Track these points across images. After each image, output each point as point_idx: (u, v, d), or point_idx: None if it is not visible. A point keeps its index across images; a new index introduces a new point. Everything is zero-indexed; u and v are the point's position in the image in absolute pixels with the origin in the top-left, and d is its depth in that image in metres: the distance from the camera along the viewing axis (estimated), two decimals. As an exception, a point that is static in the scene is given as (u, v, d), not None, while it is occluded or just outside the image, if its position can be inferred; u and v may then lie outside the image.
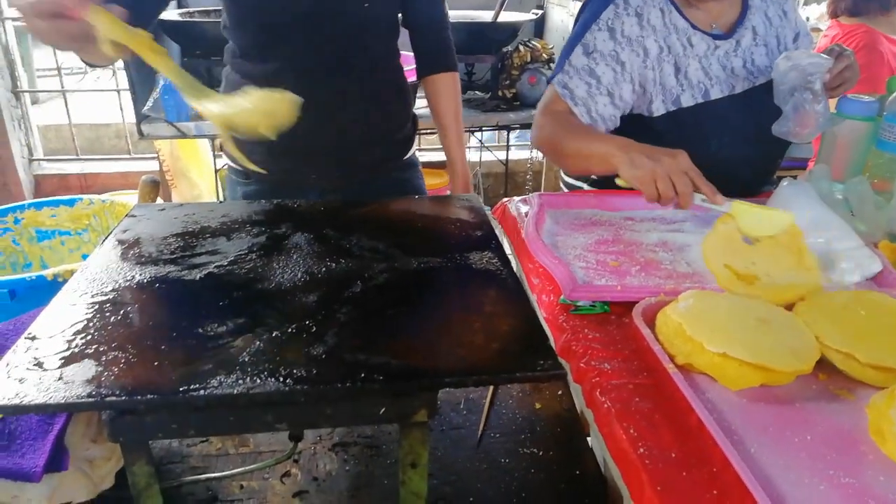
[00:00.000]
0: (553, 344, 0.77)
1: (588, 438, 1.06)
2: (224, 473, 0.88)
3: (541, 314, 1.03)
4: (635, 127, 1.43)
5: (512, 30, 2.95)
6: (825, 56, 1.29)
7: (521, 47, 2.89)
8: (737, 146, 1.43)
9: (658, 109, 1.41)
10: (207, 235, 0.97)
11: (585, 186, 1.67)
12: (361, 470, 0.95)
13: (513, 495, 0.91)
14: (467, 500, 0.90)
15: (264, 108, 0.90)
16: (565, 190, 1.78)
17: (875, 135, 1.44)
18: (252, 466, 0.86)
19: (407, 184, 1.60)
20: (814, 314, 0.96)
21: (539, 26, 3.45)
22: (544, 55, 2.85)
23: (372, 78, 1.43)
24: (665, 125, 1.41)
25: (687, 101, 1.40)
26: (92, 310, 0.76)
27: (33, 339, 0.70)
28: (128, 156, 4.05)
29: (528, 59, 2.82)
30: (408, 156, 1.60)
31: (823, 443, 0.78)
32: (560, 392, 1.12)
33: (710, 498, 0.70)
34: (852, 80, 1.34)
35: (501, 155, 3.72)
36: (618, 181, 1.19)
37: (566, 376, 0.67)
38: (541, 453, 0.99)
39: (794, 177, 1.56)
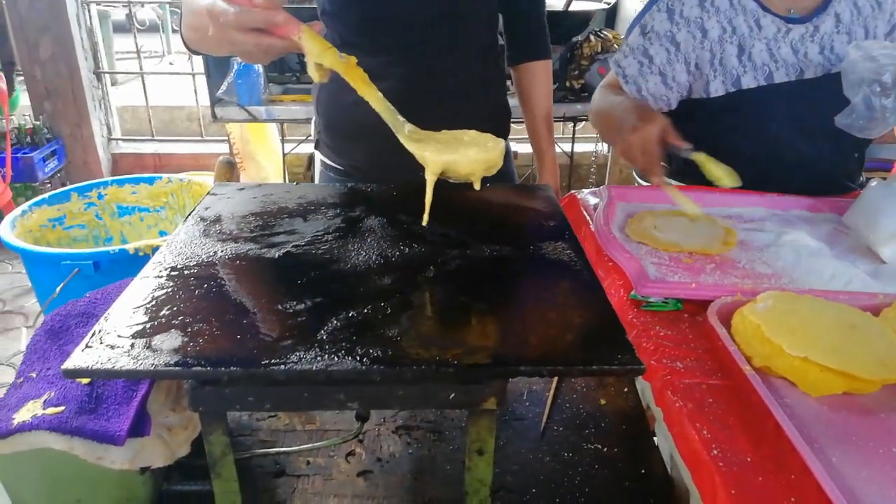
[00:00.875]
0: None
1: (654, 437, 1.04)
2: (292, 448, 0.90)
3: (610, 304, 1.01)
4: (694, 110, 1.44)
5: (583, 19, 2.91)
6: None
7: (591, 37, 2.84)
8: (805, 137, 1.39)
9: (717, 90, 1.41)
10: (285, 216, 0.99)
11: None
12: (424, 454, 0.96)
13: (576, 490, 0.90)
14: (530, 491, 0.90)
15: (483, 158, 0.89)
16: (640, 182, 1.75)
17: (973, 134, 1.35)
18: (319, 444, 0.88)
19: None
20: (902, 321, 0.92)
21: (611, 16, 3.38)
22: (615, 46, 2.79)
23: (477, 68, 1.40)
24: (724, 106, 1.41)
25: (748, 83, 1.39)
26: (177, 283, 0.79)
27: (123, 308, 0.73)
28: (199, 138, 4.18)
29: (599, 50, 2.77)
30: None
31: (910, 456, 0.74)
32: (626, 389, 1.10)
33: (787, 505, 0.68)
34: None
35: (566, 146, 3.67)
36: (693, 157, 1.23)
37: (643, 372, 0.66)
38: (605, 449, 0.97)
39: (884, 178, 1.49)
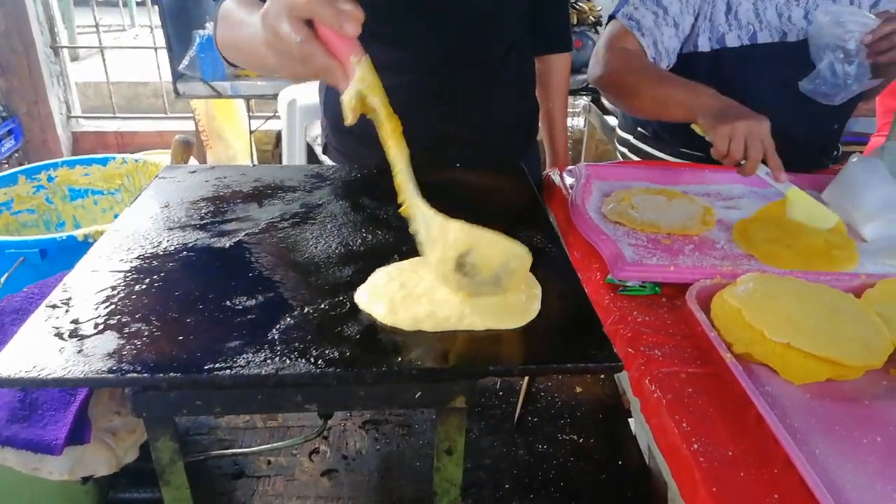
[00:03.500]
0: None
1: (630, 420, 1.00)
2: (251, 449, 0.85)
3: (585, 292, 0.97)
4: (681, 66, 1.41)
5: (557, -10, 2.83)
6: (870, 15, 1.21)
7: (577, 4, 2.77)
8: (783, 102, 1.35)
9: (703, 46, 1.39)
10: (238, 201, 0.93)
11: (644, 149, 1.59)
12: (392, 450, 0.91)
13: (551, 484, 0.87)
14: (503, 487, 0.86)
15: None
16: (620, 158, 1.70)
17: (955, 109, 1.33)
18: (280, 444, 0.83)
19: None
20: (885, 303, 0.89)
21: (586, -13, 3.30)
22: (591, 17, 2.73)
23: (507, 66, 1.31)
24: (709, 64, 1.39)
25: (732, 42, 1.37)
26: (116, 278, 0.72)
27: (54, 307, 0.67)
28: (164, 115, 4.05)
29: (575, 22, 2.70)
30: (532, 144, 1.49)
31: (895, 446, 0.71)
32: (602, 376, 1.06)
33: (771, 502, 0.65)
34: None
35: (541, 122, 3.60)
36: (694, 127, 1.19)
37: (621, 369, 0.61)
38: (581, 440, 0.94)
39: (860, 153, 1.46)
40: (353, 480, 0.87)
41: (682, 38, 1.40)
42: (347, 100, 0.69)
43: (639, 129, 1.63)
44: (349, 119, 0.70)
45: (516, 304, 0.70)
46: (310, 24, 0.67)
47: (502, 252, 0.68)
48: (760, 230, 1.11)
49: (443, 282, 0.71)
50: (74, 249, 1.57)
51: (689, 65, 1.40)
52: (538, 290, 0.73)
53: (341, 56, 0.68)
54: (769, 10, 1.35)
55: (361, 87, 0.68)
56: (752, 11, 1.35)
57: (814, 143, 1.46)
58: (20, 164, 3.07)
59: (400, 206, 0.73)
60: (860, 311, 0.86)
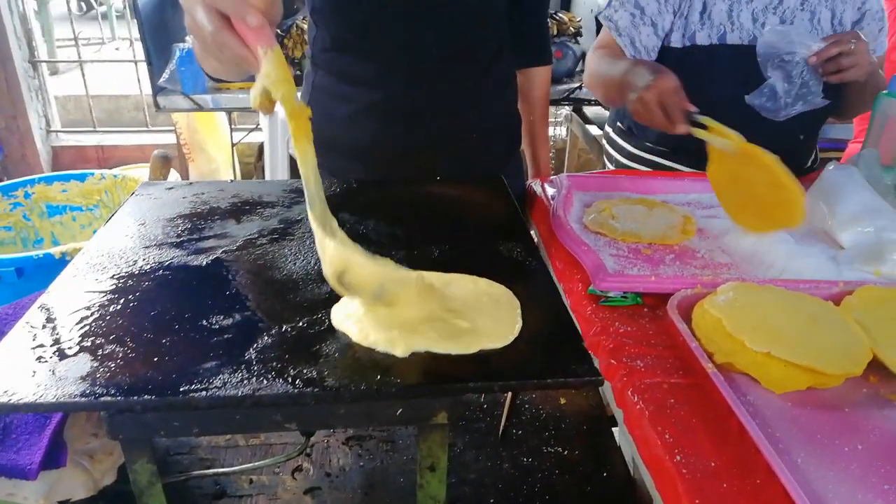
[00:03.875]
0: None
1: (615, 430, 1.00)
2: (233, 469, 0.84)
3: (567, 305, 0.97)
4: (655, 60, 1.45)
5: (538, 1, 2.84)
6: (816, 38, 1.24)
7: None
8: (747, 108, 1.37)
9: (675, 41, 1.43)
10: (216, 217, 0.92)
11: (635, 166, 1.60)
12: (376, 466, 0.90)
13: (536, 497, 0.86)
14: (487, 502, 0.85)
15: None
16: (611, 167, 1.71)
17: (929, 116, 1.34)
18: (261, 462, 0.82)
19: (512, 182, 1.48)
20: (863, 310, 0.89)
21: (566, -1, 3.33)
22: (571, 28, 2.74)
23: (488, 76, 1.29)
24: (679, 61, 1.41)
25: (702, 40, 1.40)
26: (90, 298, 0.71)
27: (27, 329, 0.66)
28: (145, 128, 4.02)
29: (555, 33, 2.72)
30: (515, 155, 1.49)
31: (877, 453, 0.72)
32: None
33: (754, 513, 0.65)
34: (856, 68, 1.24)
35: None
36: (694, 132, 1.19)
37: (602, 384, 0.61)
38: (566, 452, 0.93)
39: (837, 160, 1.47)
40: (336, 498, 0.86)
41: (662, 35, 1.44)
42: (253, 95, 0.69)
43: (617, 123, 1.68)
44: (263, 113, 0.71)
45: (493, 328, 0.69)
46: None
47: (376, 275, 0.68)
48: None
49: None
50: (51, 267, 1.55)
51: (660, 60, 1.44)
52: (517, 312, 0.72)
53: (252, 46, 0.67)
54: (744, 13, 1.38)
55: (266, 82, 0.67)
56: (726, 13, 1.38)
57: (778, 150, 1.47)
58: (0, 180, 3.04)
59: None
60: (839, 319, 0.86)
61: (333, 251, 0.67)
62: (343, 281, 0.67)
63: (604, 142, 1.75)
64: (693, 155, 1.44)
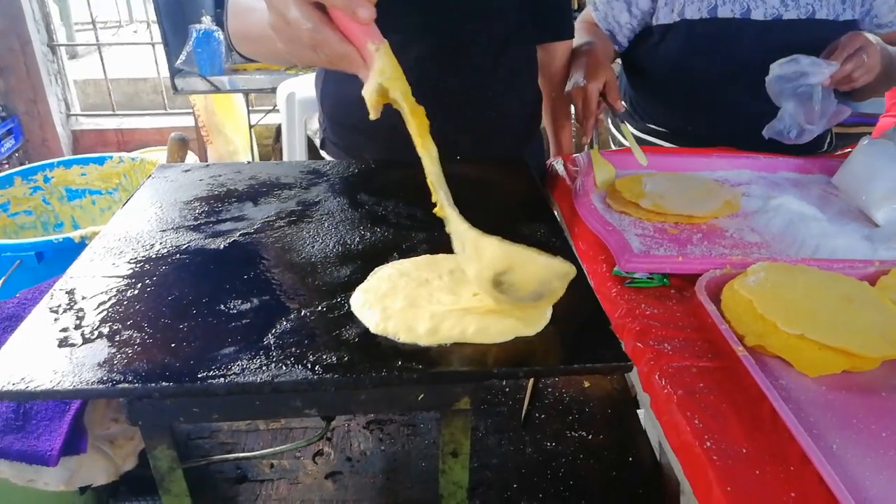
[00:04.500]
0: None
1: (639, 412, 0.98)
2: (254, 453, 0.84)
3: (592, 286, 0.95)
4: (643, 39, 1.45)
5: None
6: (828, 62, 1.16)
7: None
8: (752, 83, 1.30)
9: (664, 17, 1.39)
10: (234, 199, 0.90)
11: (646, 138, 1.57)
12: (398, 450, 0.89)
13: (560, 483, 0.85)
14: (511, 487, 0.84)
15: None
16: (614, 148, 1.68)
17: (968, 88, 1.29)
18: (282, 447, 0.81)
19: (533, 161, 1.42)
20: (901, 290, 0.86)
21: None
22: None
23: (507, 55, 1.25)
24: (668, 35, 1.39)
25: (692, 13, 1.36)
26: (107, 283, 0.70)
27: (45, 314, 0.65)
28: (164, 111, 4.02)
29: (576, 7, 2.66)
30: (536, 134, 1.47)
31: (915, 439, 0.69)
32: (610, 369, 1.04)
33: (788, 501, 0.63)
34: (867, 74, 1.18)
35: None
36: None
37: (631, 369, 0.59)
38: (590, 437, 0.91)
39: (869, 134, 1.42)
40: (357, 483, 0.85)
41: (637, 12, 1.43)
42: (368, 94, 0.64)
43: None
44: (372, 114, 0.65)
45: (524, 319, 0.65)
46: (321, 7, 0.62)
47: (542, 271, 0.62)
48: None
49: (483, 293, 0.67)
50: (71, 251, 1.55)
51: (646, 41, 1.44)
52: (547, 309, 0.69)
53: (357, 43, 0.63)
54: None
55: (381, 79, 0.63)
56: None
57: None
58: (20, 164, 3.05)
59: (434, 205, 0.68)
60: (875, 300, 0.83)
61: (496, 248, 0.62)
62: (503, 281, 0.62)
63: (608, 122, 1.72)
64: (692, 138, 1.41)
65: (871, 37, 1.19)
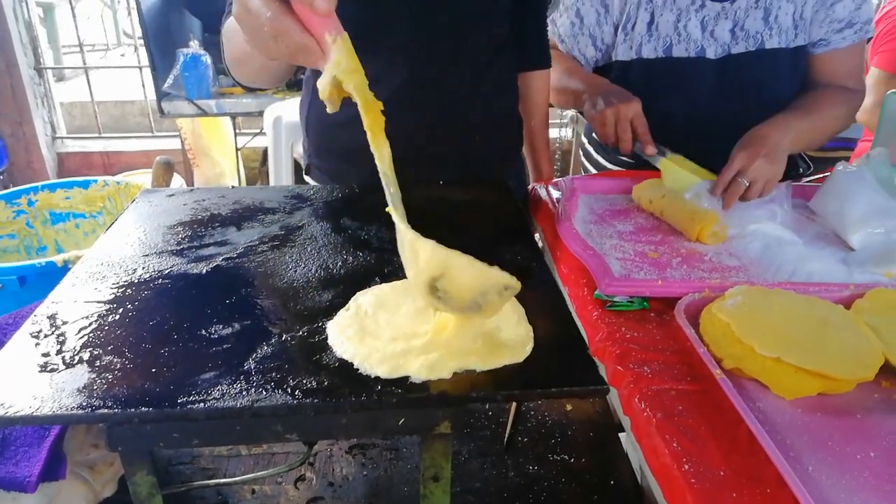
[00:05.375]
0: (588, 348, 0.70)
1: (621, 436, 0.99)
2: (235, 479, 0.83)
3: (573, 309, 0.96)
4: (605, 72, 1.47)
5: None
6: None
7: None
8: (709, 123, 1.36)
9: (623, 54, 1.42)
10: (217, 224, 0.91)
11: (608, 166, 1.60)
12: (380, 475, 0.89)
13: (542, 507, 0.85)
14: (493, 511, 0.84)
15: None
16: (591, 169, 1.70)
17: (940, 115, 1.33)
18: (263, 472, 0.81)
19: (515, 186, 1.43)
20: (875, 314, 0.88)
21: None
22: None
23: (489, 76, 1.27)
24: (626, 73, 1.42)
25: (648, 53, 1.39)
26: (89, 308, 0.70)
27: (25, 339, 0.65)
28: (150, 134, 4.03)
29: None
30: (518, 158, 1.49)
31: (889, 460, 0.70)
32: (593, 392, 1.05)
33: (764, 523, 0.63)
34: (759, 185, 1.14)
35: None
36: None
37: (607, 392, 0.60)
38: (572, 460, 0.92)
39: (846, 159, 1.45)
40: (339, 508, 0.85)
41: (602, 46, 1.45)
42: (322, 86, 0.64)
43: (592, 134, 1.69)
44: (329, 108, 0.65)
45: (504, 347, 0.65)
46: None
47: (479, 280, 0.61)
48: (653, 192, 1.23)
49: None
50: (54, 275, 1.54)
51: (606, 75, 1.44)
52: (529, 332, 0.68)
53: (316, 34, 0.62)
54: (692, 22, 1.34)
55: (336, 71, 0.62)
56: (672, 24, 1.35)
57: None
58: (5, 187, 3.04)
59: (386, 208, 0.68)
60: (850, 323, 0.85)
61: (431, 252, 0.60)
62: (438, 287, 0.61)
63: (580, 152, 1.75)
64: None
65: (767, 131, 1.18)
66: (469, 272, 0.60)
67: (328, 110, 0.66)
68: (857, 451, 0.71)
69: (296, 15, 0.63)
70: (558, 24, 1.46)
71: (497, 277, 0.61)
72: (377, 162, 0.67)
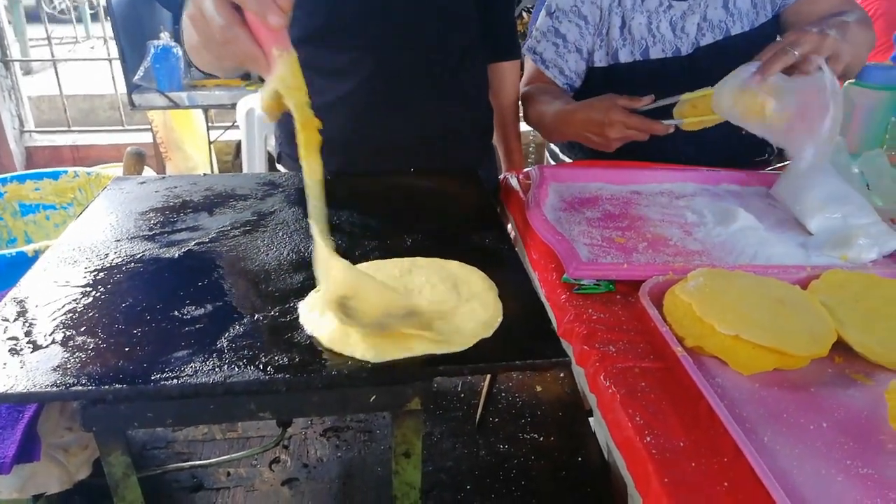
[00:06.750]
0: (555, 326, 0.72)
1: (591, 420, 1.01)
2: (210, 461, 0.84)
3: (542, 293, 0.98)
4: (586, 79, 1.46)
5: (513, -4, 2.85)
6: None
7: (524, 14, 2.80)
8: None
9: (600, 61, 1.42)
10: (189, 210, 0.92)
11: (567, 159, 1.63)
12: (353, 456, 0.91)
13: (512, 483, 0.87)
14: (464, 488, 0.86)
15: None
16: (552, 162, 1.72)
17: (894, 105, 1.37)
18: (238, 454, 0.82)
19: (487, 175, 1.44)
20: (829, 293, 0.91)
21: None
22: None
23: (462, 69, 1.29)
24: (604, 79, 1.41)
25: (625, 57, 1.39)
26: (62, 291, 0.71)
27: (-3, 322, 0.65)
28: (121, 127, 3.98)
29: (521, 30, 2.73)
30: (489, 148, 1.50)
31: (840, 431, 0.73)
32: (562, 374, 1.07)
33: (721, 490, 0.66)
34: (812, 45, 1.07)
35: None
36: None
37: (570, 364, 0.62)
38: (542, 439, 0.94)
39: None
40: (314, 489, 0.86)
41: (587, 55, 1.44)
42: (264, 97, 0.65)
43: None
44: (267, 118, 0.66)
45: (467, 329, 0.67)
46: (238, 7, 0.64)
47: (384, 303, 0.64)
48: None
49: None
50: (24, 265, 1.51)
51: (586, 82, 1.45)
52: (499, 314, 0.71)
53: (265, 47, 0.64)
54: (663, 23, 1.36)
55: (279, 86, 0.64)
56: (646, 26, 1.36)
57: (724, 146, 1.43)
58: (-29, 181, 2.98)
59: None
60: (806, 302, 0.88)
61: (342, 274, 0.63)
62: (346, 306, 0.63)
63: (546, 153, 1.76)
64: None
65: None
66: (377, 296, 0.64)
67: (265, 121, 0.68)
68: (811, 422, 0.74)
69: (247, 25, 0.64)
70: (539, 51, 1.44)
71: (403, 303, 0.65)
72: (304, 175, 0.68)
